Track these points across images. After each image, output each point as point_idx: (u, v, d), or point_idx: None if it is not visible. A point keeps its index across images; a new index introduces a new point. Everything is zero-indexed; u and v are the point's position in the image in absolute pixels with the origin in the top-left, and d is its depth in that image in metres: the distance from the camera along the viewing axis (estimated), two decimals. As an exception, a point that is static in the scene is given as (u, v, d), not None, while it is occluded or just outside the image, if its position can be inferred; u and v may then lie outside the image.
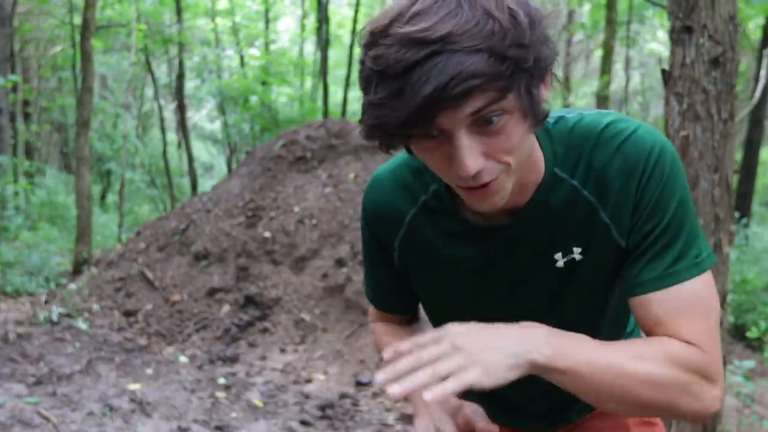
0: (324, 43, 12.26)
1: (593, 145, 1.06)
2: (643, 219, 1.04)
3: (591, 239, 1.09)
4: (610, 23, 10.43)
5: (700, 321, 1.01)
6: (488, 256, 1.14)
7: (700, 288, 1.03)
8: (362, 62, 0.91)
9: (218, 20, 15.24)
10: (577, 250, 1.10)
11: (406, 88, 0.85)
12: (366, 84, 0.91)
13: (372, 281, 1.33)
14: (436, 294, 1.25)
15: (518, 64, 0.86)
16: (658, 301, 1.02)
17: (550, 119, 1.10)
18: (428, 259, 1.19)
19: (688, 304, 1.01)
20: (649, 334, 1.04)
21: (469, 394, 1.40)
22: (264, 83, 13.21)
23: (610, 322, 1.24)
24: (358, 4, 12.70)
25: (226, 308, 5.93)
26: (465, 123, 0.89)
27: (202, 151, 21.61)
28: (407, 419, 4.31)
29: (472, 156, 0.90)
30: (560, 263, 1.11)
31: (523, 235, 1.11)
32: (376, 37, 0.89)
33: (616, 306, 1.23)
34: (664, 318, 1.01)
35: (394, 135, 0.91)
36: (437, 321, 1.31)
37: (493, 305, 1.18)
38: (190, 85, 16.18)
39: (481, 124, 0.90)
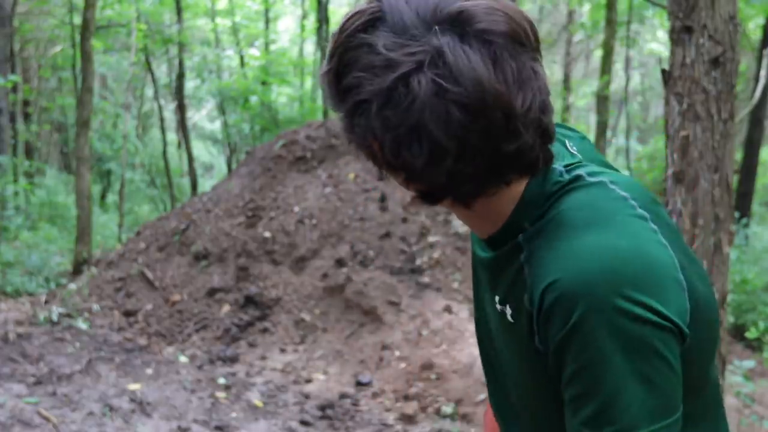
0: (324, 43, 12.26)
1: (560, 238, 0.89)
2: (557, 360, 0.88)
3: (520, 309, 0.95)
4: (610, 23, 10.43)
5: None
6: (478, 281, 1.13)
7: None
8: None
9: (218, 20, 15.23)
10: (509, 310, 0.98)
11: None
12: None
13: None
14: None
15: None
16: None
17: (569, 174, 0.95)
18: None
19: None
20: None
21: None
22: (264, 83, 13.19)
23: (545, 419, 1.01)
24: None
25: (226, 308, 5.93)
26: None
27: (202, 151, 21.60)
28: (407, 419, 4.31)
29: None
30: (508, 316, 0.98)
31: (485, 265, 1.05)
32: None
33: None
34: None
35: None
36: None
37: (483, 338, 1.16)
38: (190, 85, 16.17)
39: None
